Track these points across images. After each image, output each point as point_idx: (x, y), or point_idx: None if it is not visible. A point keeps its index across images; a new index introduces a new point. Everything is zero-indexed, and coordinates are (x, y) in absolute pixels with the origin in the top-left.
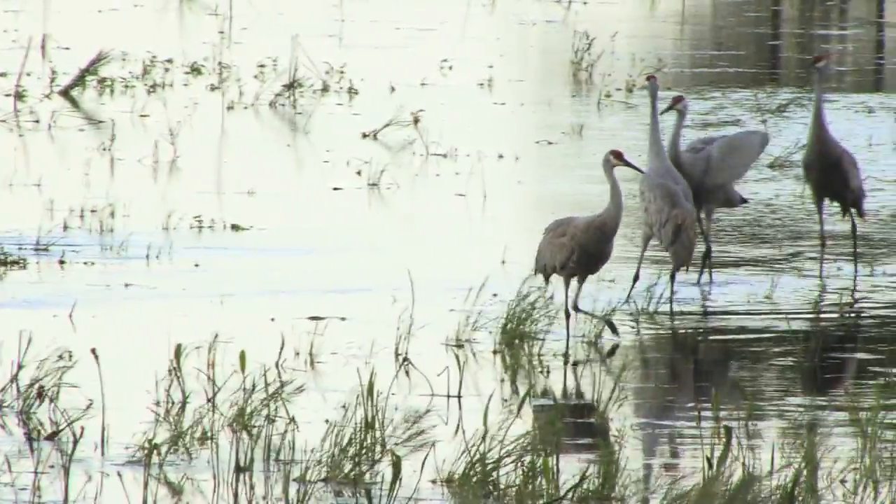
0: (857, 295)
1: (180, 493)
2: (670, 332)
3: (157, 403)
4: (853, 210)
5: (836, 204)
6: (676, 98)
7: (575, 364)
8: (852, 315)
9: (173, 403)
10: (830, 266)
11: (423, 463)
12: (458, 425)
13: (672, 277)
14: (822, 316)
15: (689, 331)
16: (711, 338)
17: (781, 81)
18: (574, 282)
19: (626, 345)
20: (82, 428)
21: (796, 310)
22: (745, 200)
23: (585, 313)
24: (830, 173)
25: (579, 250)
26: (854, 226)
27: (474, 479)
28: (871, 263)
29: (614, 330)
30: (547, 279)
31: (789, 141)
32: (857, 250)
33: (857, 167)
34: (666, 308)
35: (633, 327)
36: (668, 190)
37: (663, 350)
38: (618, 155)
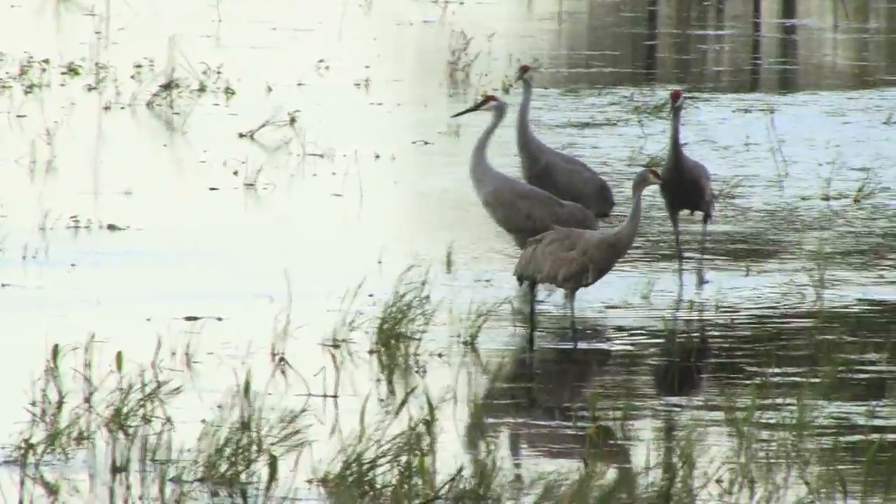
0: (729, 296)
1: (56, 492)
2: (548, 331)
3: (34, 403)
4: (702, 214)
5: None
6: (523, 67)
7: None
8: (727, 315)
9: (50, 403)
10: (695, 266)
11: (297, 462)
12: (335, 425)
13: None
14: (698, 316)
15: (567, 330)
16: (588, 337)
17: (658, 81)
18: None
19: (504, 344)
20: None
21: (672, 309)
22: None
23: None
24: (688, 189)
25: (593, 266)
26: (704, 230)
27: (350, 479)
28: (748, 264)
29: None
30: (521, 283)
31: (665, 141)
32: (724, 250)
33: (709, 179)
34: (543, 308)
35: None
36: (541, 193)
37: (540, 349)
38: (656, 174)
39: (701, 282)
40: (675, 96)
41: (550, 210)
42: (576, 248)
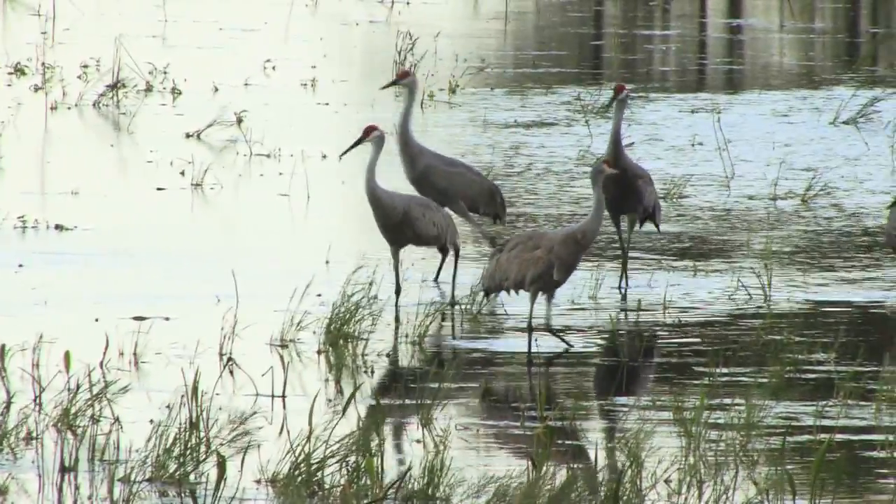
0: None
1: (5, 493)
2: (495, 331)
3: None
4: (649, 223)
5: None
6: (402, 73)
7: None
8: (675, 315)
9: None
10: (643, 268)
11: (246, 462)
12: (283, 425)
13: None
14: (647, 316)
15: (515, 330)
16: (536, 337)
17: (605, 81)
18: (541, 298)
19: (451, 344)
20: None
21: (621, 309)
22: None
23: (553, 332)
24: (625, 192)
25: (559, 263)
26: (629, 237)
27: (299, 479)
28: (695, 263)
29: (568, 343)
30: (488, 295)
31: None
32: (672, 250)
33: (651, 184)
34: (489, 308)
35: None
36: (432, 201)
37: (488, 350)
38: (609, 163)
39: (619, 287)
40: (619, 89)
41: (442, 214)
42: (540, 246)
